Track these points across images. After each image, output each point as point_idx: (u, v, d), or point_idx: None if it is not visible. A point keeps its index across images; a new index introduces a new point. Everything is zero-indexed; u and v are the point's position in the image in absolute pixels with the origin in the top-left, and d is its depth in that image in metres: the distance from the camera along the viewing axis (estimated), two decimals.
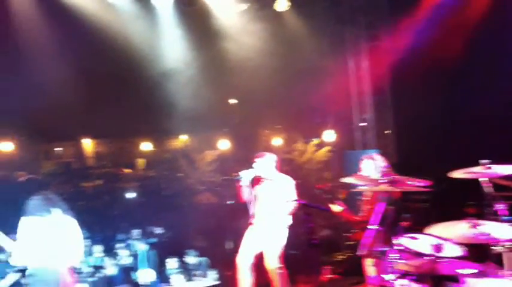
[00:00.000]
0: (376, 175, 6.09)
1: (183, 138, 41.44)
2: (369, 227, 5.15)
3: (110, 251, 10.60)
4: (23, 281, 8.14)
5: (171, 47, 22.00)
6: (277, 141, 31.48)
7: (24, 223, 5.26)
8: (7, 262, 10.40)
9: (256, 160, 6.14)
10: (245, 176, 6.05)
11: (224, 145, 34.17)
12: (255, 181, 6.14)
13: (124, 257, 10.35)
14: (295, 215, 6.18)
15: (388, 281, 4.59)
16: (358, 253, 5.47)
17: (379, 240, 5.11)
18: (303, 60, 18.89)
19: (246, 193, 6.07)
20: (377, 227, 5.04)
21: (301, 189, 6.57)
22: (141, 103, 32.32)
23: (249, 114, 30.65)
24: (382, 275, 4.71)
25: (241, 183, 6.05)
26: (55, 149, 44.94)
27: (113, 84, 29.40)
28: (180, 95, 26.04)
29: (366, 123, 17.80)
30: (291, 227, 6.30)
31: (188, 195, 21.38)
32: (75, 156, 45.08)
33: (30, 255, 5.21)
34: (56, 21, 17.42)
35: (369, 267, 6.06)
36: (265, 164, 6.11)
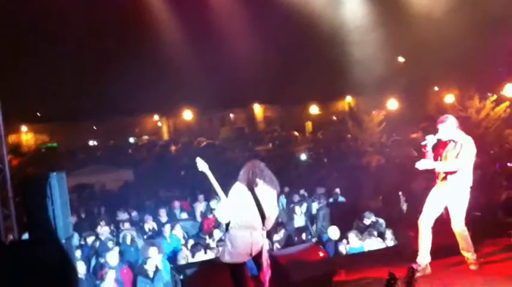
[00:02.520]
0: None
1: (349, 100, 41.32)
2: None
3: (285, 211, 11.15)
4: (221, 237, 8.96)
5: (346, 3, 21.89)
6: (449, 98, 29.96)
7: (234, 188, 5.81)
8: (193, 221, 11.54)
9: (438, 125, 6.05)
10: (430, 140, 6.01)
11: (392, 104, 33.46)
12: (440, 145, 6.06)
13: (299, 216, 10.82)
14: (481, 176, 6.00)
15: None
16: None
17: None
18: (485, 12, 17.62)
19: (430, 157, 6.02)
20: None
21: (478, 148, 6.31)
22: (309, 67, 32.80)
23: (419, 72, 29.53)
24: None
25: (426, 148, 6.02)
26: (230, 115, 47.67)
27: (286, 51, 30.25)
28: (349, 55, 25.93)
29: None
30: (475, 189, 6.09)
31: (358, 157, 21.43)
32: (247, 121, 47.47)
33: (232, 216, 5.74)
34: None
35: None
36: (448, 127, 5.99)
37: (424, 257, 6.04)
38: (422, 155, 6.08)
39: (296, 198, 12.08)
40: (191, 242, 9.35)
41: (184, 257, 8.56)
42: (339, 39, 25.72)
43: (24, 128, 41.22)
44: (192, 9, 23.51)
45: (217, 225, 10.32)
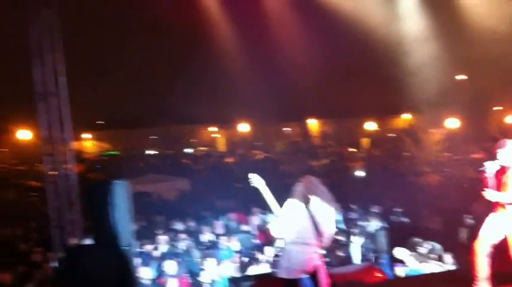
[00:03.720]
0: None
1: (407, 117, 40.60)
2: None
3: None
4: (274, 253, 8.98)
5: (405, 17, 21.57)
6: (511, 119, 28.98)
7: (288, 204, 5.82)
8: (248, 234, 11.59)
9: (497, 150, 5.90)
10: (490, 167, 5.84)
11: (452, 123, 32.62)
12: (501, 171, 5.90)
13: (356, 236, 10.68)
14: None
15: None
16: None
17: None
18: None
19: (491, 183, 5.86)
20: None
21: None
22: (367, 82, 32.48)
23: (480, 90, 28.70)
24: None
25: (486, 174, 5.86)
26: (283, 129, 47.75)
27: (344, 65, 30.08)
28: (409, 72, 25.48)
29: None
30: None
31: (415, 175, 21.00)
32: (302, 136, 47.37)
33: (286, 232, 5.75)
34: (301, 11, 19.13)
35: None
36: (508, 153, 5.84)
37: (482, 285, 5.88)
38: (483, 181, 5.92)
39: (351, 215, 11.94)
40: (246, 255, 9.41)
41: (240, 269, 8.63)
42: (398, 55, 25.39)
43: (86, 135, 42.66)
44: (251, 22, 23.76)
45: (272, 239, 10.36)
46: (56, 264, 7.95)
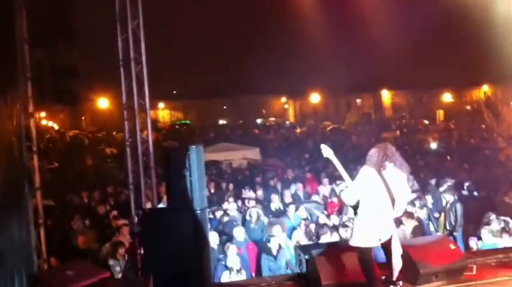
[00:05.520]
0: None
1: (486, 89, 38.84)
2: None
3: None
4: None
5: None
6: None
7: (362, 171, 5.77)
8: (317, 203, 11.63)
9: None
10: None
11: None
12: None
13: (429, 207, 10.48)
14: None
15: None
16: None
17: None
18: None
19: None
20: None
21: None
22: (443, 51, 31.27)
23: None
24: None
25: None
26: (356, 100, 47.05)
27: (419, 34, 29.01)
28: (489, 40, 24.19)
29: None
30: None
31: (493, 149, 20.15)
32: (374, 107, 46.57)
33: (360, 199, 5.70)
34: None
35: None
36: None
37: None
38: None
39: (425, 188, 11.70)
40: (314, 224, 9.46)
41: (308, 237, 8.70)
42: (479, 22, 24.16)
43: (161, 104, 43.83)
44: None
45: (341, 209, 10.33)
46: (133, 227, 8.32)
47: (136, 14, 8.02)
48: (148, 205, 8.52)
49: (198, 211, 6.74)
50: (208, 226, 9.00)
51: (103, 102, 36.66)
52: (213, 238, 8.39)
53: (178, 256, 6.43)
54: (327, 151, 5.77)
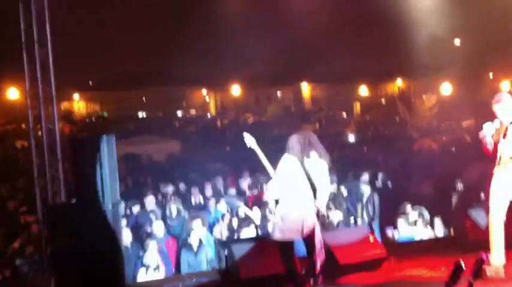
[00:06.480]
0: None
1: (400, 82, 40.34)
2: None
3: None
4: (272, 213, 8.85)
5: None
6: (505, 85, 28.80)
7: (284, 160, 5.56)
8: (237, 196, 11.48)
9: (495, 105, 5.50)
10: (488, 128, 5.47)
11: (445, 89, 32.43)
12: (500, 130, 5.52)
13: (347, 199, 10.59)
14: None
15: None
16: None
17: None
18: None
19: (490, 145, 5.49)
20: None
21: None
22: (359, 45, 32.05)
23: (475, 56, 28.38)
24: None
25: (486, 138, 5.45)
26: (277, 92, 47.39)
27: (336, 27, 29.54)
28: (403, 35, 24.99)
29: None
30: None
31: (407, 140, 20.88)
32: (294, 100, 47.12)
33: (282, 189, 5.50)
34: None
35: None
36: (507, 106, 5.45)
37: (497, 257, 5.31)
38: (482, 147, 5.57)
39: (342, 179, 11.81)
40: (235, 217, 9.29)
41: (229, 232, 8.52)
42: (393, 17, 24.89)
43: (76, 96, 42.11)
44: None
45: (260, 202, 10.22)
46: (39, 223, 7.79)
47: None
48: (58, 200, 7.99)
49: (109, 206, 6.29)
50: (124, 222, 8.59)
51: (13, 92, 34.67)
52: (129, 235, 8.00)
53: (86, 254, 5.95)
54: (249, 140, 5.59)
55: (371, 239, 6.21)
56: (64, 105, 36.23)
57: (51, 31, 7.50)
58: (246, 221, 8.50)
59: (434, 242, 7.50)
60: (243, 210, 9.23)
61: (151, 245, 7.58)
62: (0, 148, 21.12)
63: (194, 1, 25.33)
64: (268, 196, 5.60)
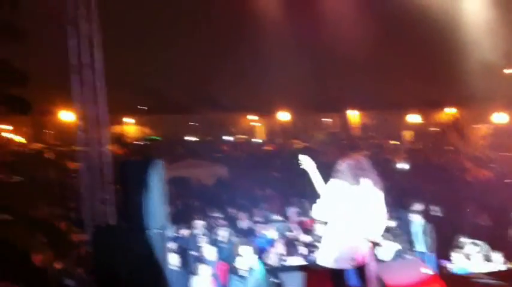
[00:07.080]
0: None
1: (452, 111, 39.41)
2: None
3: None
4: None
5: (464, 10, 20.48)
6: None
7: (332, 184, 5.41)
8: (285, 223, 11.33)
9: None
10: None
11: (500, 118, 31.39)
12: None
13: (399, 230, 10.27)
14: None
15: None
16: None
17: None
18: None
19: None
20: None
21: None
22: (411, 72, 31.60)
23: None
24: None
25: None
26: (323, 119, 47.17)
27: (388, 55, 29.28)
28: (457, 63, 24.53)
29: None
30: None
31: (460, 170, 20.24)
32: (342, 127, 46.74)
33: (329, 214, 5.30)
34: None
35: None
36: None
37: None
38: None
39: (393, 209, 11.49)
40: (284, 244, 9.13)
41: (278, 259, 8.37)
42: (447, 46, 24.48)
43: (128, 119, 43.07)
44: (297, 11, 23.36)
45: (311, 228, 10.03)
46: (88, 244, 7.87)
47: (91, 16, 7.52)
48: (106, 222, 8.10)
49: (155, 231, 6.27)
50: (170, 245, 8.58)
51: (65, 115, 35.79)
52: (177, 258, 7.98)
53: (132, 277, 5.94)
54: (307, 162, 5.41)
55: (425, 271, 5.95)
56: (116, 129, 37.12)
57: (103, 54, 7.68)
58: (295, 247, 8.35)
59: (492, 275, 7.14)
60: (294, 235, 9.08)
61: (204, 270, 7.50)
62: (53, 170, 21.70)
63: (244, 30, 25.60)
64: (314, 215, 5.35)
